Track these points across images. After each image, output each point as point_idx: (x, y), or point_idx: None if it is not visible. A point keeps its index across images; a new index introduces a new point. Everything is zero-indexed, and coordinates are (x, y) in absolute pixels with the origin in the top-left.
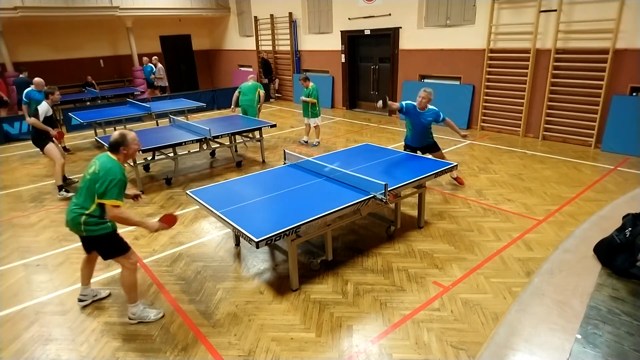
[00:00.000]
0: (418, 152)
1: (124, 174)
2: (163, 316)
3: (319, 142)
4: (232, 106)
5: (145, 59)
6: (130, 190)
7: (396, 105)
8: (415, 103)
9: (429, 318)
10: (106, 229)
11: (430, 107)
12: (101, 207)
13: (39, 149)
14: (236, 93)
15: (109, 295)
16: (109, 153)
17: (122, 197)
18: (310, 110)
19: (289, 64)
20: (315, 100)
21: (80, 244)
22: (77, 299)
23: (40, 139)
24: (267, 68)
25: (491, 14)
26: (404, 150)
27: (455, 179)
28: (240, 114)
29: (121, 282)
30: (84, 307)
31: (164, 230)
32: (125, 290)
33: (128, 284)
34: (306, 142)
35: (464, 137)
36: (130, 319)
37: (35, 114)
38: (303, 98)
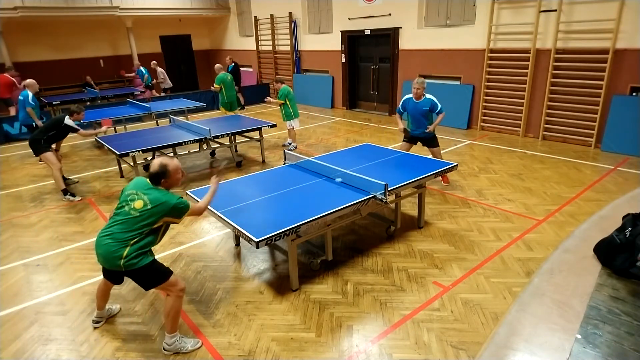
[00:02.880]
0: (419, 142)
1: (178, 197)
2: (201, 346)
3: (295, 146)
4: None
5: (137, 63)
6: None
7: (400, 121)
8: (410, 96)
9: (429, 318)
10: (146, 258)
11: (427, 96)
12: (152, 235)
13: (34, 152)
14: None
15: (120, 310)
16: (150, 184)
17: (186, 202)
18: (284, 112)
19: (289, 64)
20: (282, 102)
21: (79, 243)
22: (91, 321)
23: (39, 144)
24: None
25: (491, 14)
26: (403, 140)
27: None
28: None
29: (166, 311)
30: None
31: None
32: (169, 319)
33: (174, 312)
34: (295, 146)
35: (429, 129)
36: (165, 349)
37: (74, 130)
38: (275, 100)
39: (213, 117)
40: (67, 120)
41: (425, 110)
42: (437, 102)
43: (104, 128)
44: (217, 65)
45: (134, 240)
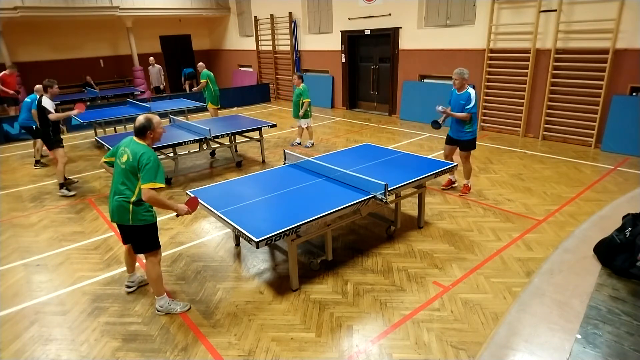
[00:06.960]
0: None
1: (157, 157)
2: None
3: (312, 144)
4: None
5: (201, 64)
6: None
7: (444, 116)
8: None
9: (429, 318)
10: (149, 219)
11: (469, 90)
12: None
13: (48, 148)
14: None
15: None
16: (135, 138)
17: (160, 180)
18: (308, 110)
19: (289, 64)
20: (308, 100)
21: (79, 243)
22: (124, 286)
23: (50, 139)
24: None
25: (491, 14)
26: (445, 144)
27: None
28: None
29: (147, 275)
30: (130, 293)
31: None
32: (152, 283)
33: (155, 277)
34: (299, 143)
35: (437, 108)
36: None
37: (47, 111)
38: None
39: (213, 117)
40: (44, 101)
41: (462, 105)
42: (473, 100)
43: (75, 111)
44: (200, 64)
45: (133, 195)
